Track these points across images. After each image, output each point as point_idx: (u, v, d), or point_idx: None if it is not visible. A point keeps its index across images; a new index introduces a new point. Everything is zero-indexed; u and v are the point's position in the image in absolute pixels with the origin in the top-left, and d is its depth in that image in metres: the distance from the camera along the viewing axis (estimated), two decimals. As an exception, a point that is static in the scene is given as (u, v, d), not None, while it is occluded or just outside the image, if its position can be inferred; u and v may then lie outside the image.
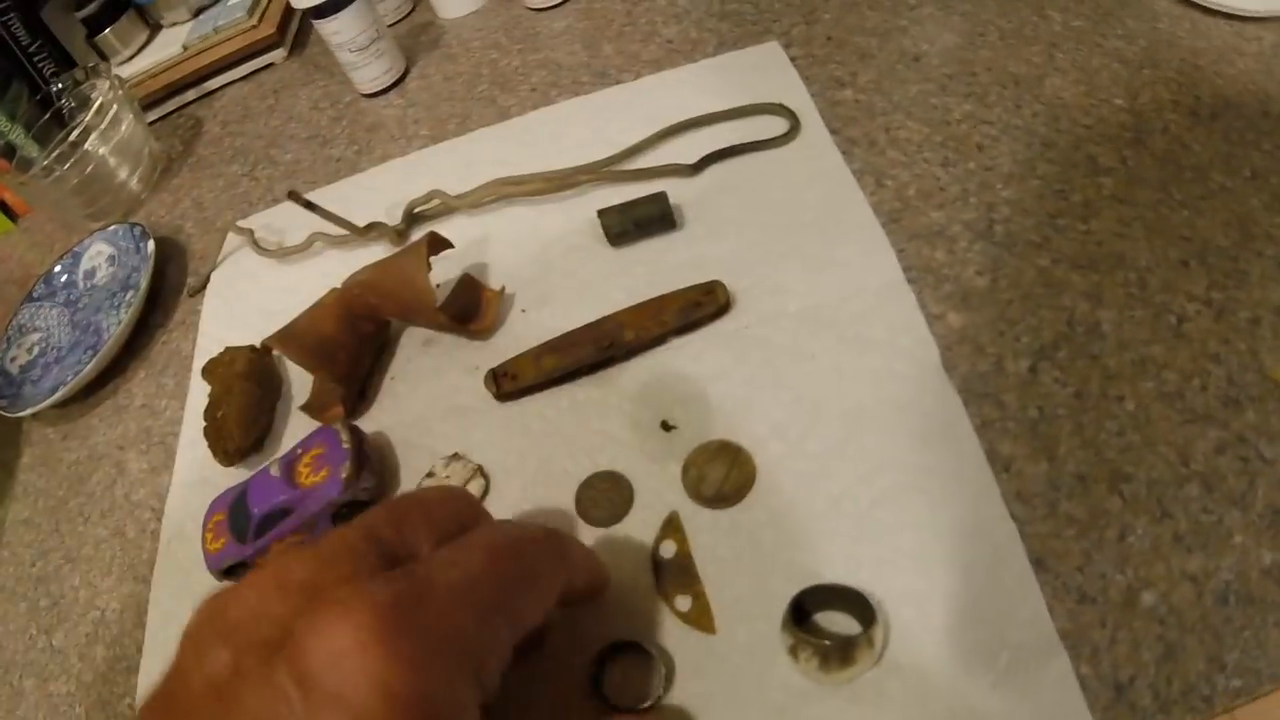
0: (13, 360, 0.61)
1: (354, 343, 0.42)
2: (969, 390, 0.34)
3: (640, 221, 0.41)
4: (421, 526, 0.24)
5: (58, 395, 0.54)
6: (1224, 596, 0.28)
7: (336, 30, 0.57)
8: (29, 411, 0.54)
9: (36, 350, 0.61)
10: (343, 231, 0.49)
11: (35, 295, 0.64)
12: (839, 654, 0.29)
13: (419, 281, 0.40)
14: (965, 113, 0.43)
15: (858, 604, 0.30)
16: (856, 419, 0.34)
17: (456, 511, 0.26)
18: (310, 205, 0.44)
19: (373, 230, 0.47)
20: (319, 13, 0.56)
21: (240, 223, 0.56)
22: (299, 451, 0.38)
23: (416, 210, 0.47)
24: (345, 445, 0.37)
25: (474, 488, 0.37)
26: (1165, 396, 0.32)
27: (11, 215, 0.77)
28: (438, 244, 0.42)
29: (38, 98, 0.70)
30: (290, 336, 0.42)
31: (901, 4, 0.50)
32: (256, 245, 0.52)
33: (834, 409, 0.35)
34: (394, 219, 0.50)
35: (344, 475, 0.36)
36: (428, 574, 0.22)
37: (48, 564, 0.48)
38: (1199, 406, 0.32)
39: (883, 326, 0.36)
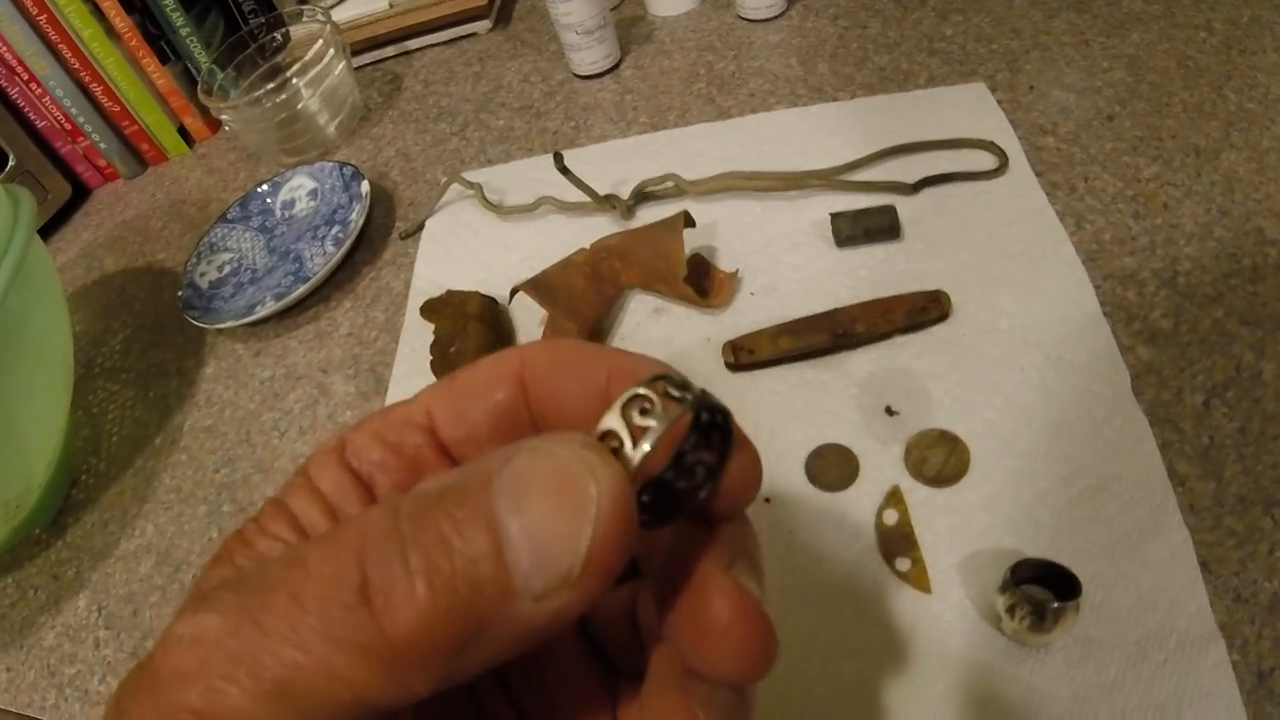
0: (202, 275, 0.65)
1: (598, 302, 0.47)
2: (1153, 415, 0.39)
3: (869, 229, 0.46)
4: None
5: (258, 314, 0.58)
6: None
7: (569, 11, 0.61)
8: (226, 325, 0.58)
9: (228, 269, 0.65)
10: (571, 199, 0.54)
11: (229, 217, 0.67)
12: (1052, 617, 0.34)
13: (675, 253, 0.45)
14: (1153, 174, 0.49)
15: (1062, 580, 0.35)
16: (1059, 428, 0.40)
17: None
18: (565, 170, 0.49)
19: (608, 201, 0.52)
20: (558, -7, 0.60)
21: (467, 176, 0.60)
22: None
23: (648, 190, 0.52)
24: None
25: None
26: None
27: (188, 140, 0.81)
28: (687, 222, 0.47)
29: (235, 33, 0.74)
30: (545, 287, 0.47)
31: (1096, 66, 0.55)
32: (485, 200, 0.56)
33: (1040, 417, 0.40)
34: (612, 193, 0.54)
35: None
36: None
37: (234, 471, 0.51)
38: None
39: (1082, 352, 0.42)
